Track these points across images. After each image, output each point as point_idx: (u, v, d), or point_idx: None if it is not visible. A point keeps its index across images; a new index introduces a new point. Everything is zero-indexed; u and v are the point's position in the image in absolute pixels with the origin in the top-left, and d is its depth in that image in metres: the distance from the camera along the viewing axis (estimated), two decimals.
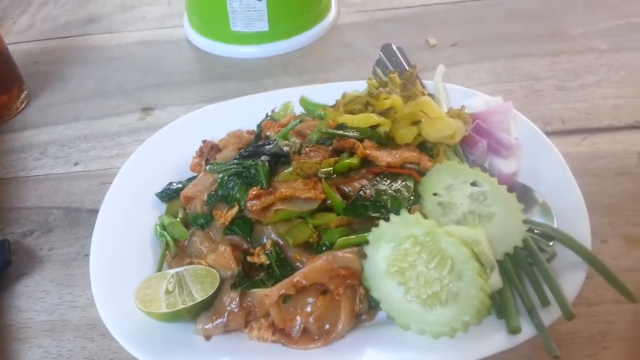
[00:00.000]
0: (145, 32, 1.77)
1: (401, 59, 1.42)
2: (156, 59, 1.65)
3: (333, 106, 1.21)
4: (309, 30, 1.66)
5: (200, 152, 1.16)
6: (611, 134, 1.24)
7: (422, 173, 1.03)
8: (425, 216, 0.92)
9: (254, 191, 0.94)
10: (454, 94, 1.25)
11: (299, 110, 1.27)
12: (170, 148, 1.20)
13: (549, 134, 1.14)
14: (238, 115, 1.26)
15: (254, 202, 0.93)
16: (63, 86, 1.58)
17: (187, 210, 1.05)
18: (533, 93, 1.38)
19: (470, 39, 1.59)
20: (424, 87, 1.27)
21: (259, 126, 1.21)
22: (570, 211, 0.97)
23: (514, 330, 0.82)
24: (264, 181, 0.96)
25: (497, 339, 0.83)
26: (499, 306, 0.86)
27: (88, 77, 1.60)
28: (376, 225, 0.90)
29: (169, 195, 1.10)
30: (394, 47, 1.46)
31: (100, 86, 1.56)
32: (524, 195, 1.00)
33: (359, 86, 1.23)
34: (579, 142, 1.24)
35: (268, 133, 1.16)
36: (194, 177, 1.10)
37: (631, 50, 1.49)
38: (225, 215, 0.95)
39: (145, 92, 1.52)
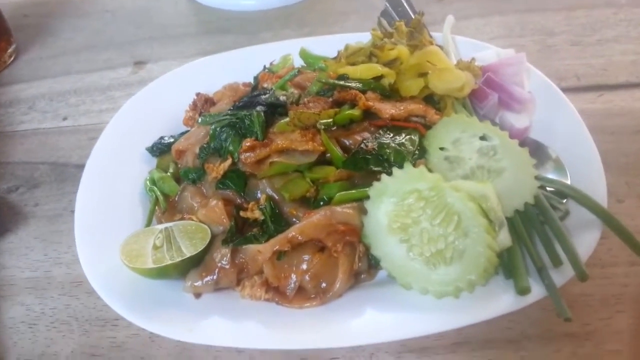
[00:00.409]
0: None
1: (408, 9, 1.33)
2: (150, 11, 1.58)
3: (334, 58, 1.14)
4: None
5: (194, 106, 1.10)
6: (629, 91, 1.17)
7: (428, 127, 0.96)
8: (430, 171, 0.86)
9: (248, 143, 0.88)
10: (463, 47, 1.17)
11: (299, 63, 1.20)
12: (162, 101, 1.14)
13: (563, 90, 1.07)
14: (234, 68, 1.19)
15: (248, 154, 0.87)
16: (53, 40, 1.51)
17: (179, 165, 1.00)
18: (546, 48, 1.30)
19: None
20: (431, 37, 1.19)
21: (255, 78, 1.15)
22: (586, 169, 0.91)
23: (522, 291, 0.77)
24: (258, 132, 0.90)
25: (505, 300, 0.78)
26: (507, 265, 0.80)
27: (79, 30, 1.53)
28: (378, 180, 0.84)
29: (160, 149, 1.04)
30: None
31: (91, 40, 1.49)
32: (536, 151, 0.94)
33: (362, 38, 1.16)
34: (595, 99, 1.17)
35: (265, 85, 1.10)
36: (187, 132, 1.04)
37: None
38: (218, 168, 0.90)
39: (138, 45, 1.45)
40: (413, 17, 1.31)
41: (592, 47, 1.29)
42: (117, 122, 1.09)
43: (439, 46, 1.14)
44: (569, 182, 0.89)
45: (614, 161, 1.01)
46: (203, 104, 1.09)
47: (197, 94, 1.11)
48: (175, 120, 1.11)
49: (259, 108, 0.93)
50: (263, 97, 0.96)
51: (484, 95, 1.04)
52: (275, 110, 0.95)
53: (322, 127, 0.90)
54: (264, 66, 1.17)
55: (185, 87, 1.14)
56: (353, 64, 1.10)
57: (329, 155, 0.89)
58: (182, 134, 1.05)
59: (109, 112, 1.25)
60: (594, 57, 1.27)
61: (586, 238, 0.82)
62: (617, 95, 1.17)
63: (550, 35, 1.33)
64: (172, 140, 1.04)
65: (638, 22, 1.35)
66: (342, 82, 1.00)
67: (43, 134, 1.25)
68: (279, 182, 0.87)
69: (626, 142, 1.06)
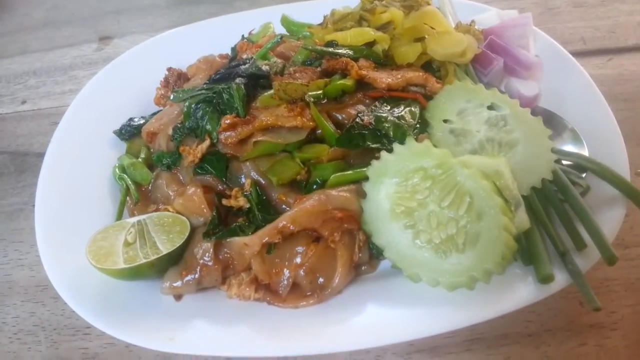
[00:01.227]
0: None
1: None
2: None
3: (320, 24, 1.03)
4: None
5: (166, 82, 0.99)
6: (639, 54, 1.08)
7: (429, 97, 0.86)
8: (435, 146, 0.76)
9: (227, 120, 0.77)
10: (461, 9, 1.07)
11: (280, 32, 1.08)
12: (130, 79, 1.02)
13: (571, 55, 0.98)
14: (209, 39, 1.08)
15: (228, 133, 0.77)
16: (8, 16, 1.38)
17: (151, 149, 0.89)
18: (548, 11, 1.21)
19: None
20: None
21: (233, 49, 1.03)
22: (604, 138, 0.82)
23: (545, 279, 0.68)
24: (239, 107, 0.79)
25: (525, 290, 0.69)
26: (526, 251, 0.71)
27: (37, 5, 1.40)
28: (377, 158, 0.74)
29: (129, 132, 0.93)
30: None
31: (51, 15, 1.36)
32: (549, 121, 0.84)
33: (349, 3, 1.05)
34: (604, 64, 1.08)
35: (244, 56, 0.98)
36: (159, 112, 0.93)
37: None
38: (195, 151, 0.79)
39: (102, 19, 1.32)
40: None
41: (596, 9, 1.20)
42: (80, 103, 0.98)
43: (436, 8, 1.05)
44: (586, 153, 0.81)
45: (631, 130, 0.93)
46: (176, 80, 0.98)
47: (169, 69, 1.00)
48: (146, 99, 1.00)
49: (238, 80, 0.82)
50: (242, 67, 0.85)
51: (488, 60, 0.94)
52: (257, 82, 0.84)
53: (312, 100, 0.80)
54: (242, 36, 1.06)
55: (155, 63, 1.03)
56: (341, 30, 1.00)
57: (320, 132, 0.79)
58: (154, 114, 0.94)
59: (72, 94, 1.13)
60: (600, 19, 1.18)
61: (610, 216, 0.74)
62: (628, 59, 1.08)
63: None
64: (142, 121, 0.93)
65: None
66: (330, 50, 0.90)
67: (0, 120, 1.12)
68: (265, 164, 0.77)
69: (639, 109, 0.98)
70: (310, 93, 0.80)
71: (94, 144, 0.92)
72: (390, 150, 0.74)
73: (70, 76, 1.19)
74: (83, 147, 0.91)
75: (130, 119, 0.94)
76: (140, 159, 0.88)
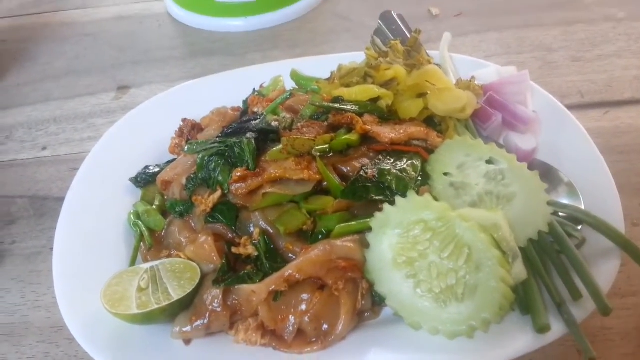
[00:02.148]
0: (122, 7, 1.63)
1: (402, 27, 1.29)
2: (134, 34, 1.52)
3: (328, 79, 1.08)
4: (300, 1, 1.53)
5: (180, 132, 1.04)
6: (635, 107, 1.13)
7: (431, 151, 0.91)
8: (435, 199, 0.80)
9: (238, 172, 0.82)
10: (461, 65, 1.13)
11: (290, 85, 1.14)
12: (146, 128, 1.07)
13: (567, 108, 1.02)
14: (222, 92, 1.13)
15: (239, 185, 0.81)
16: (31, 65, 1.45)
17: (165, 197, 0.93)
18: (547, 65, 1.26)
19: (475, 8, 1.47)
20: (429, 56, 1.15)
21: (245, 102, 1.09)
22: (599, 191, 0.86)
23: (542, 329, 0.71)
24: (249, 161, 0.83)
25: (523, 339, 0.71)
26: (523, 301, 0.74)
27: (59, 55, 1.47)
28: (380, 210, 0.78)
29: (145, 180, 0.97)
30: (394, 15, 1.32)
31: (72, 65, 1.43)
32: (546, 174, 0.88)
33: (356, 58, 1.11)
34: (601, 117, 1.12)
35: (255, 109, 1.04)
36: (173, 161, 0.98)
37: None
38: (207, 200, 0.83)
39: (121, 69, 1.39)
40: (408, 35, 1.27)
41: (593, 63, 1.25)
42: (99, 151, 1.02)
43: (437, 65, 1.10)
44: (582, 206, 0.84)
45: (627, 182, 0.96)
46: (190, 131, 1.03)
47: (184, 120, 1.05)
48: (161, 148, 1.04)
49: (249, 135, 0.87)
50: (253, 122, 0.90)
51: (487, 115, 0.98)
52: (267, 136, 0.88)
53: (318, 153, 0.84)
54: (254, 89, 1.12)
55: (171, 113, 1.08)
56: (347, 85, 1.05)
57: (326, 184, 0.83)
58: (169, 162, 0.98)
59: (91, 141, 1.18)
60: (597, 72, 1.23)
61: (605, 267, 0.76)
62: (624, 112, 1.13)
63: (549, 51, 1.29)
64: (157, 169, 0.97)
65: (638, 36, 1.32)
66: (337, 105, 0.94)
67: (21, 166, 1.17)
68: (273, 214, 0.81)
69: (637, 161, 1.02)
70: (316, 147, 0.85)
71: (111, 190, 0.97)
72: (392, 203, 0.78)
73: (89, 124, 1.25)
74: (100, 194, 0.96)
75: (146, 167, 0.99)
76: (154, 206, 0.92)
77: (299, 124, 0.90)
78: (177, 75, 1.35)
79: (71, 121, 1.26)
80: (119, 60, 1.43)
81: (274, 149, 0.85)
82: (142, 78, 1.35)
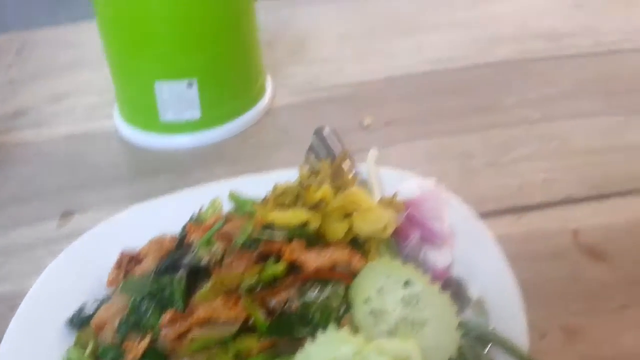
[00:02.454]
0: (73, 126, 1.69)
1: (333, 143, 1.38)
2: (83, 154, 1.57)
3: (263, 201, 1.15)
4: (242, 115, 1.62)
5: (118, 265, 1.07)
6: (543, 212, 1.22)
7: (355, 274, 0.96)
8: (356, 329, 0.85)
9: (168, 315, 0.86)
10: (387, 178, 1.20)
11: (230, 206, 1.20)
12: (88, 262, 1.10)
13: (484, 215, 1.11)
14: (164, 217, 1.18)
15: (167, 329, 0.85)
16: None
17: (98, 341, 0.95)
18: (466, 172, 1.35)
19: (407, 115, 1.57)
20: (356, 173, 1.23)
21: (183, 229, 1.14)
22: (506, 306, 0.92)
23: None
24: (179, 302, 0.88)
25: None
26: None
27: (6, 179, 1.50)
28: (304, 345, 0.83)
29: (80, 321, 0.98)
30: (327, 131, 1.42)
31: (17, 191, 1.46)
32: (457, 292, 0.95)
33: (294, 175, 1.17)
34: (514, 222, 1.21)
35: (192, 238, 1.09)
36: (110, 299, 1.00)
37: (563, 117, 1.49)
38: (137, 347, 0.86)
39: (66, 193, 1.43)
40: (339, 150, 1.36)
41: (506, 167, 1.35)
42: (37, 289, 1.04)
43: (364, 181, 1.18)
44: (491, 324, 0.90)
45: (536, 291, 1.02)
46: (127, 263, 1.07)
47: (121, 253, 1.09)
48: (103, 280, 1.07)
49: (180, 272, 0.92)
50: (185, 259, 0.95)
51: (406, 234, 1.06)
52: (198, 274, 0.93)
53: (244, 290, 0.89)
54: (191, 215, 1.17)
55: (112, 243, 1.12)
56: (282, 204, 1.11)
57: (253, 320, 0.88)
58: (106, 299, 1.01)
59: (31, 277, 1.19)
60: (511, 177, 1.32)
61: None
62: (536, 216, 1.21)
63: (469, 157, 1.39)
64: (93, 309, 0.99)
65: (551, 137, 1.43)
66: (267, 235, 1.00)
67: None
68: (201, 359, 0.84)
69: (545, 268, 1.09)
70: (244, 283, 0.90)
71: (47, 335, 0.96)
72: (314, 338, 0.82)
73: (29, 256, 1.25)
74: (36, 340, 0.95)
75: (81, 308, 0.99)
76: (86, 354, 0.91)
77: (228, 259, 0.96)
78: (121, 197, 1.38)
79: (11, 254, 1.26)
80: (68, 182, 1.47)
81: (203, 289, 0.89)
82: (87, 201, 1.38)
